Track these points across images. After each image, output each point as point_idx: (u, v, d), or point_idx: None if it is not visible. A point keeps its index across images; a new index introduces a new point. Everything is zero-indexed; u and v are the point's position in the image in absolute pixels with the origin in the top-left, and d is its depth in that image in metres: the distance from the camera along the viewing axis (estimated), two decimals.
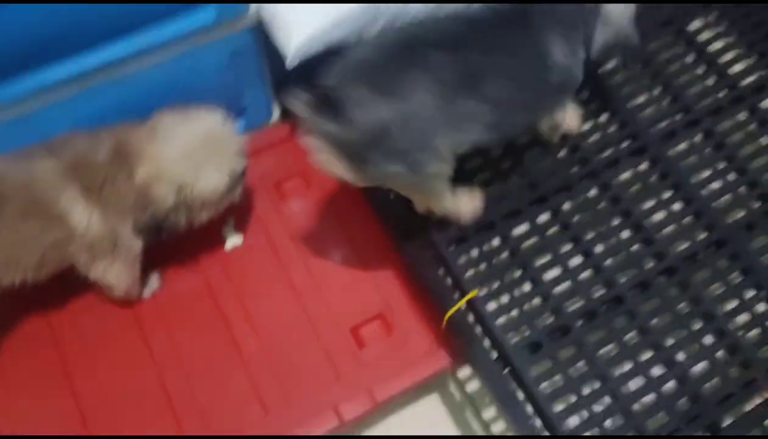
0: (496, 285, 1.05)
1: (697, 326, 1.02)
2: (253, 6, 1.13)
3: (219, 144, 1.06)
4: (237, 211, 1.23)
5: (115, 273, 1.09)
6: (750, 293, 1.04)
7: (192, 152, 1.03)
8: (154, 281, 1.19)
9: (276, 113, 1.37)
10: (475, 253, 1.08)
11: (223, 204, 1.10)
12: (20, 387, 1.11)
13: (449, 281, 1.07)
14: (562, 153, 1.16)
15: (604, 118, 1.19)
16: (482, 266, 1.07)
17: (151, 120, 1.06)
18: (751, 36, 1.26)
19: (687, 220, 1.10)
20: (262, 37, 1.19)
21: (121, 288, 1.12)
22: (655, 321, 1.02)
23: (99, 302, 1.16)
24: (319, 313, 1.17)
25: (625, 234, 1.09)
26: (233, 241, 1.24)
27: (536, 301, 1.05)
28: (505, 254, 1.08)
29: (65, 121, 1.09)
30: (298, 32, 1.10)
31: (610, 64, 1.24)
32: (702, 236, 1.08)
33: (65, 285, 1.13)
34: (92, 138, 1.02)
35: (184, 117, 1.06)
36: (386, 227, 1.21)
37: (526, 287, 1.06)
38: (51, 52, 1.03)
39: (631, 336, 1.01)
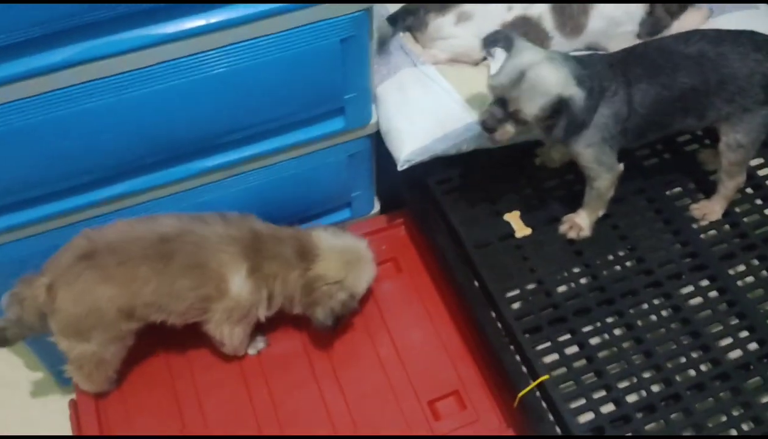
0: (565, 373, 1.18)
1: (747, 427, 1.12)
2: (374, 116, 1.35)
3: (365, 259, 1.31)
4: None
5: (233, 334, 1.26)
6: None
7: (351, 262, 1.29)
8: (260, 341, 1.35)
9: (377, 207, 1.57)
10: (547, 343, 1.22)
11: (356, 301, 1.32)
12: (137, 415, 1.26)
13: (522, 365, 1.21)
14: (630, 263, 1.31)
15: (668, 236, 1.34)
16: (553, 355, 1.21)
17: (313, 232, 1.30)
18: None
19: (743, 334, 1.22)
20: (376, 142, 1.41)
21: (232, 347, 1.29)
22: (709, 423, 1.12)
23: (211, 351, 1.32)
24: (401, 384, 1.30)
25: (685, 340, 1.22)
26: None
27: (601, 392, 1.17)
28: (574, 347, 1.22)
29: (213, 198, 1.32)
30: (409, 143, 1.31)
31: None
32: (754, 347, 1.20)
33: (187, 333, 1.28)
34: (273, 229, 1.26)
35: (335, 233, 1.31)
36: (466, 310, 1.35)
37: (592, 377, 1.18)
38: (214, 146, 1.26)
39: (686, 432, 1.12)
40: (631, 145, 1.27)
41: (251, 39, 1.10)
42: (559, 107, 1.12)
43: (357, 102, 1.28)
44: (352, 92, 1.25)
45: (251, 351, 1.35)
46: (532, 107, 1.12)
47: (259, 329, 1.33)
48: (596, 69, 1.16)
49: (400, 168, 1.32)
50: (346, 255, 1.28)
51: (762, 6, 1.49)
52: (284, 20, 1.09)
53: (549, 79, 1.11)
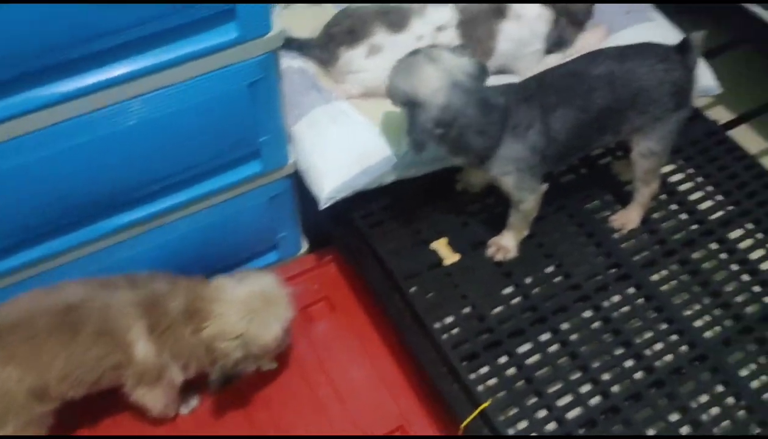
0: (506, 397, 1.18)
1: (685, 431, 1.14)
2: (291, 156, 1.33)
3: (273, 299, 1.22)
4: None
5: (153, 398, 1.21)
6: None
7: (253, 309, 1.18)
8: (193, 399, 1.30)
9: (304, 246, 1.55)
10: (485, 368, 1.21)
11: (279, 350, 1.26)
12: None
13: (463, 393, 1.19)
14: (558, 279, 1.33)
15: (591, 249, 1.37)
16: (493, 380, 1.20)
17: (214, 281, 1.22)
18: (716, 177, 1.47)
19: (672, 338, 1.25)
20: (297, 182, 1.38)
21: (156, 411, 1.23)
22: (649, 431, 1.13)
23: (143, 416, 1.26)
24: (343, 426, 1.27)
25: (618, 350, 1.23)
26: (267, 365, 1.36)
27: (542, 412, 1.17)
28: (512, 369, 1.21)
29: (130, 256, 1.27)
30: (329, 180, 1.29)
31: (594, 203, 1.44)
32: (685, 350, 1.23)
33: (116, 400, 1.23)
34: (170, 285, 1.19)
35: (240, 278, 1.23)
36: (402, 343, 1.33)
37: (532, 398, 1.18)
38: (128, 201, 1.21)
39: None
40: (553, 169, 1.29)
41: (156, 90, 1.08)
42: (411, 105, 1.13)
43: (272, 144, 1.26)
44: (266, 135, 1.23)
45: (184, 411, 1.29)
46: (391, 81, 1.16)
47: (193, 384, 1.28)
48: (502, 109, 1.16)
49: (321, 207, 1.30)
50: (248, 303, 1.19)
51: (657, 17, 1.55)
52: (189, 68, 1.07)
53: (420, 74, 1.13)
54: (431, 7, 1.38)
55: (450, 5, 1.40)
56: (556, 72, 1.24)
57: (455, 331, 1.25)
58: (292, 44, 1.42)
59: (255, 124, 1.20)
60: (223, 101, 1.13)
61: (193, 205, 1.28)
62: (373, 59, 1.37)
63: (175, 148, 1.17)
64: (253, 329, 1.18)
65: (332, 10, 1.47)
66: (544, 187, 1.27)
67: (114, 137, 1.09)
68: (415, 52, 1.17)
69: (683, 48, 1.23)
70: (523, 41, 1.41)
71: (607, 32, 1.48)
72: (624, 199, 1.41)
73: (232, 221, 1.35)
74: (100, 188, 1.15)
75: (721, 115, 1.70)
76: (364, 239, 1.38)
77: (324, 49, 1.41)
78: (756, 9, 1.60)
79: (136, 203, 1.23)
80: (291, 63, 1.41)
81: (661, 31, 1.50)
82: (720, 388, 1.19)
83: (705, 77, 1.48)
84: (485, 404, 1.15)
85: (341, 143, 1.31)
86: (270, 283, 1.24)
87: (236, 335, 1.17)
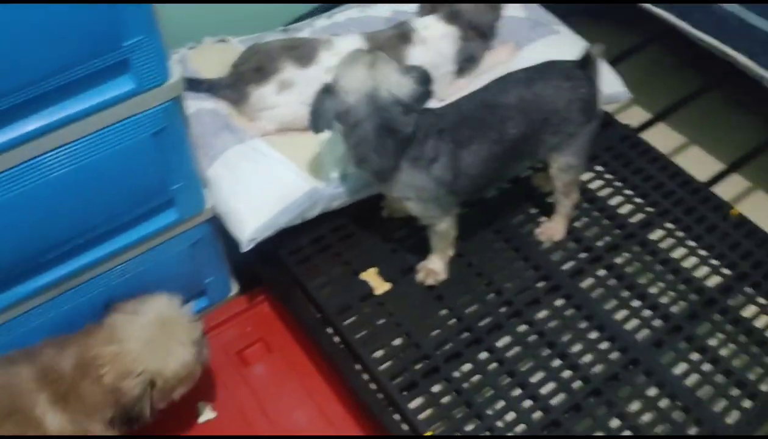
0: (447, 423, 1.16)
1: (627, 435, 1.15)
2: (209, 201, 1.30)
3: (172, 322, 1.16)
4: (205, 381, 1.33)
5: None
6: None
7: (151, 339, 1.12)
8: None
9: (235, 288, 1.51)
10: (425, 396, 1.20)
11: (196, 374, 1.20)
12: None
13: (405, 425, 1.18)
14: (489, 297, 1.33)
15: (520, 263, 1.38)
16: (434, 408, 1.19)
17: (105, 322, 1.15)
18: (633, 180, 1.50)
19: (604, 345, 1.26)
20: (219, 225, 1.35)
21: None
22: None
23: None
24: None
25: (554, 363, 1.24)
26: (207, 415, 1.31)
27: (485, 434, 1.16)
28: (452, 394, 1.20)
29: (45, 322, 1.21)
30: (249, 222, 1.26)
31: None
32: (617, 356, 1.24)
33: None
34: (59, 347, 1.11)
35: (133, 310, 1.16)
36: (343, 378, 1.30)
37: (475, 421, 1.17)
38: (41, 263, 1.15)
39: None
40: (471, 198, 1.29)
41: (58, 147, 1.04)
42: (329, 87, 1.14)
43: (186, 191, 1.22)
44: (179, 182, 1.20)
45: None
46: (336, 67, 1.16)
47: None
48: (403, 139, 1.14)
49: (244, 249, 1.27)
50: (144, 334, 1.12)
51: (562, 30, 1.58)
52: (90, 123, 1.04)
53: (351, 69, 1.13)
54: (338, 39, 1.38)
55: (356, 34, 1.39)
56: (469, 103, 1.23)
57: (392, 362, 1.24)
58: (200, 86, 1.39)
59: (165, 172, 1.17)
60: (129, 153, 1.10)
61: (110, 260, 1.23)
62: (285, 95, 1.35)
63: (87, 204, 1.12)
64: (156, 359, 1.11)
65: (239, 47, 1.46)
66: (454, 211, 1.26)
67: (20, 198, 1.04)
68: (368, 52, 1.17)
69: (584, 62, 1.25)
70: (432, 64, 1.41)
71: (515, 48, 1.51)
72: (547, 210, 1.42)
73: (154, 272, 1.30)
74: (10, 252, 1.10)
75: (635, 117, 1.74)
76: (292, 276, 1.35)
77: (234, 88, 1.38)
78: (657, 9, 1.64)
79: (50, 264, 1.17)
80: (202, 105, 1.38)
81: (568, 42, 1.53)
82: (655, 390, 1.20)
83: (613, 84, 1.52)
84: (428, 434, 1.14)
85: (259, 182, 1.29)
86: (166, 306, 1.17)
87: (139, 371, 1.10)
